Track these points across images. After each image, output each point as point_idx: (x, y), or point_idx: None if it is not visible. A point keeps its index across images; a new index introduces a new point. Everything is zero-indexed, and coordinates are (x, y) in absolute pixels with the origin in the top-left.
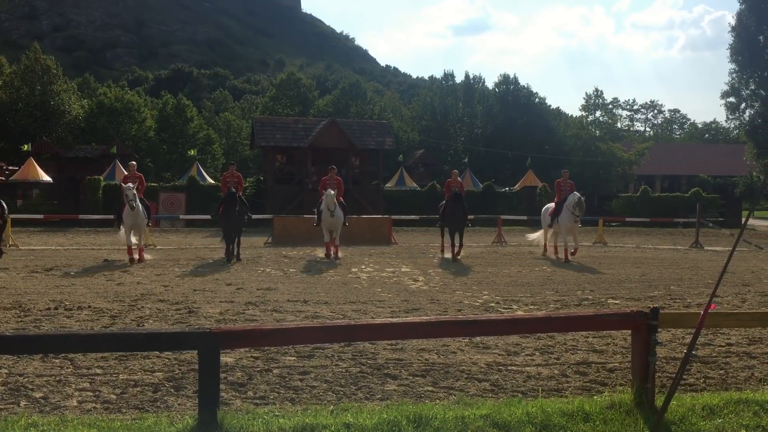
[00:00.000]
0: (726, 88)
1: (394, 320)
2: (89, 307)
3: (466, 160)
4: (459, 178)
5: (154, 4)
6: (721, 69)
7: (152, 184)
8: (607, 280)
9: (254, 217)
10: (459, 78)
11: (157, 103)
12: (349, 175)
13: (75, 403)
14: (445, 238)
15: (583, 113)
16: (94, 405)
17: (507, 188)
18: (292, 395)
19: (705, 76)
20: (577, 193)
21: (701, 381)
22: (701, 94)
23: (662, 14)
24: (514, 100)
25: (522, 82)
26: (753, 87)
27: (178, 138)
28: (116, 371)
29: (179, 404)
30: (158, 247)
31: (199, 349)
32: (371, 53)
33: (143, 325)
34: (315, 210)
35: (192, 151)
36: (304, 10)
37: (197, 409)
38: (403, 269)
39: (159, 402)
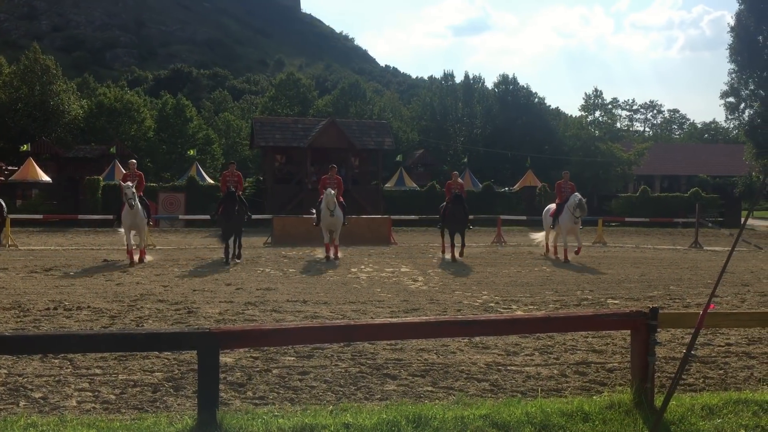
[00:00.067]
0: (725, 88)
1: (394, 320)
2: (88, 307)
3: (465, 160)
4: (459, 180)
5: (153, 4)
6: (720, 69)
7: (152, 184)
8: (607, 280)
9: (254, 217)
10: (459, 78)
11: (157, 103)
12: (348, 175)
13: (74, 404)
14: (445, 239)
15: (583, 113)
16: (93, 405)
17: (506, 188)
18: (291, 395)
19: (704, 76)
20: (578, 195)
21: (700, 381)
22: (700, 94)
23: (661, 14)
24: (513, 100)
25: (521, 82)
26: (752, 87)
27: (178, 138)
28: (115, 371)
29: (178, 404)
30: (158, 248)
31: (198, 349)
32: (371, 53)
33: (142, 326)
34: (314, 210)
35: (191, 152)
36: (303, 10)
37: (197, 410)
38: (402, 269)
39: (158, 402)
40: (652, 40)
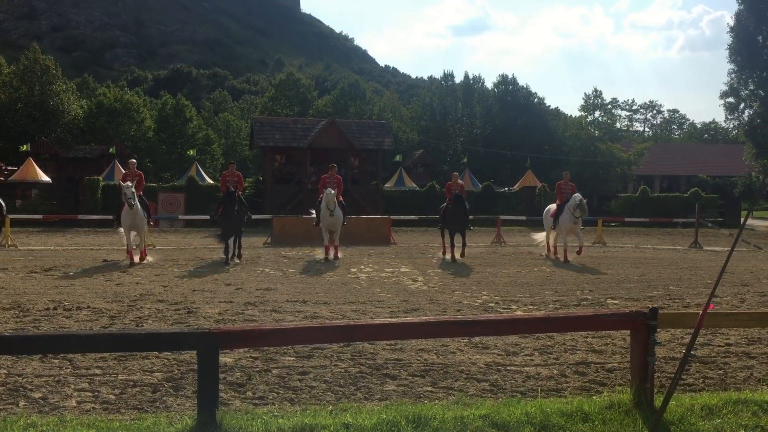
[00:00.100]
0: (725, 88)
1: (394, 320)
2: (88, 307)
3: (465, 160)
4: (459, 181)
5: (153, 5)
6: (720, 69)
7: (151, 184)
8: (606, 280)
9: (254, 217)
10: (458, 78)
11: (156, 104)
12: (348, 175)
13: (74, 404)
14: (445, 239)
15: (583, 113)
16: (93, 405)
17: (506, 188)
18: (291, 395)
19: (704, 76)
20: (579, 195)
21: (700, 381)
22: (700, 95)
23: (661, 14)
24: (513, 101)
25: (521, 82)
26: (752, 87)
27: (177, 138)
28: (115, 371)
29: (178, 404)
30: (157, 248)
31: (198, 349)
32: (370, 53)
33: (142, 326)
34: (313, 211)
35: (191, 152)
36: (303, 10)
37: (196, 410)
38: (402, 269)
39: (158, 402)
40: (651, 40)
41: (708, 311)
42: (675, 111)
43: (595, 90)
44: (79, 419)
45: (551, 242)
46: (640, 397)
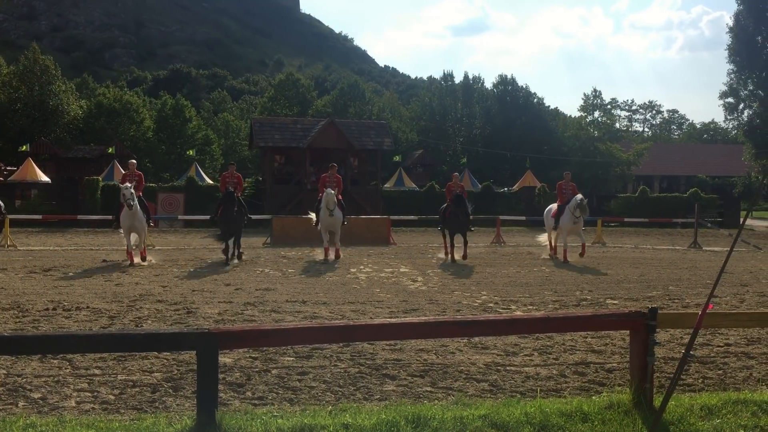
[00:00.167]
0: (724, 88)
1: (393, 321)
2: (88, 307)
3: (464, 160)
4: (459, 182)
5: (152, 5)
6: (719, 69)
7: (151, 184)
8: (606, 280)
9: (253, 217)
10: (458, 78)
11: (156, 104)
12: (347, 176)
13: (73, 404)
14: (446, 240)
15: (582, 114)
16: (92, 405)
17: (506, 188)
18: (290, 396)
19: (703, 76)
20: (580, 195)
21: (699, 381)
22: (700, 95)
23: (661, 15)
24: (512, 101)
25: (521, 82)
26: (751, 87)
27: (177, 138)
28: (115, 372)
29: (178, 405)
30: (157, 248)
31: (197, 349)
32: (370, 53)
33: (142, 326)
34: (312, 214)
35: (190, 152)
36: (302, 11)
37: (196, 410)
38: (401, 270)
39: (157, 402)
40: (651, 41)
41: (707, 311)
42: (674, 111)
43: (595, 90)
44: (78, 419)
45: (553, 242)
46: (639, 397)
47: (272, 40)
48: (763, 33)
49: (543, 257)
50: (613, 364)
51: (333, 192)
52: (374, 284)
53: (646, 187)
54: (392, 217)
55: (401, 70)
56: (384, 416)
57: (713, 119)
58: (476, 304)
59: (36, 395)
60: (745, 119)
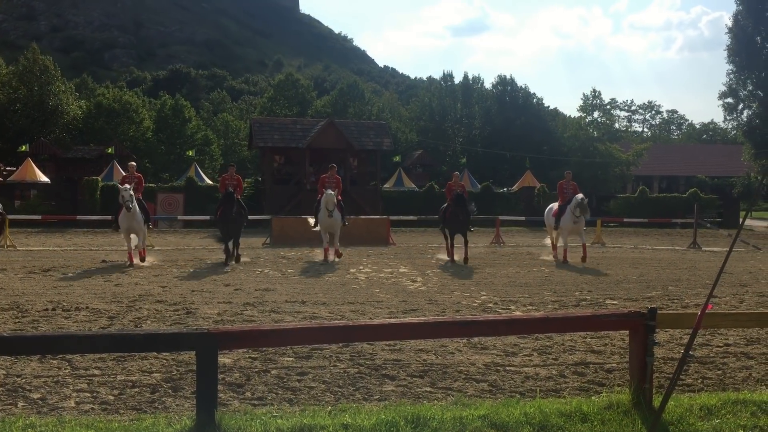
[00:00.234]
0: (724, 88)
1: (392, 321)
2: (87, 308)
3: (464, 160)
4: (460, 182)
5: (152, 5)
6: (718, 70)
7: (150, 184)
8: (605, 280)
9: (253, 218)
10: (457, 79)
11: (155, 104)
12: (347, 176)
13: (73, 404)
14: (447, 241)
15: (581, 114)
16: (91, 406)
17: (505, 189)
18: (290, 396)
19: (703, 76)
20: (580, 195)
21: (699, 381)
22: (699, 95)
23: (660, 15)
24: (511, 101)
25: (520, 82)
26: (750, 88)
27: (176, 139)
28: (114, 372)
29: (177, 405)
30: (156, 248)
31: (197, 349)
32: (369, 54)
33: (141, 326)
34: (312, 212)
35: (190, 152)
36: (302, 11)
37: (195, 410)
38: (401, 270)
39: (157, 403)
40: (650, 41)
41: (706, 312)
42: (674, 111)
43: (594, 90)
44: (77, 420)
45: (554, 241)
46: (638, 397)
47: (272, 40)
48: (762, 33)
49: (542, 257)
50: (613, 365)
51: (333, 193)
52: (374, 284)
53: (645, 187)
54: (392, 218)
55: (401, 70)
56: (383, 416)
57: (712, 119)
58: (476, 305)
59: (35, 395)
60: (745, 119)
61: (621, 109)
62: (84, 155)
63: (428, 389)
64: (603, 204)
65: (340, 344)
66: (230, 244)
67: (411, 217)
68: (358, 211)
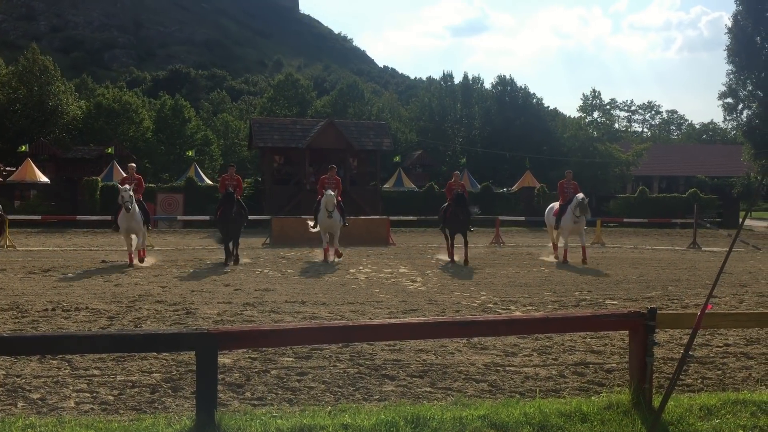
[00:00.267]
0: (723, 89)
1: (392, 321)
2: (87, 308)
3: (464, 160)
4: (460, 181)
5: (151, 5)
6: (718, 70)
7: (150, 185)
8: (605, 280)
9: (253, 218)
10: (457, 79)
11: (155, 104)
12: (346, 176)
13: (72, 404)
14: (448, 242)
15: (581, 114)
16: (91, 406)
17: (505, 189)
18: (289, 396)
19: (702, 76)
20: (581, 195)
21: (699, 381)
22: (699, 95)
23: (660, 15)
24: (511, 101)
25: (520, 83)
26: (750, 88)
27: (176, 139)
28: (114, 372)
29: (177, 405)
30: (156, 248)
31: (196, 350)
32: (369, 54)
33: (141, 326)
34: (312, 213)
35: (190, 152)
36: (302, 11)
37: (195, 410)
38: (401, 270)
39: (157, 403)
40: (650, 41)
41: (706, 312)
42: (673, 111)
43: (594, 90)
44: (77, 420)
45: (554, 241)
46: (638, 397)
47: (271, 40)
48: (761, 33)
49: (542, 258)
50: (613, 365)
51: (333, 193)
52: (373, 285)
53: (645, 187)
54: (391, 218)
55: (400, 70)
56: (383, 416)
57: (712, 120)
58: (475, 305)
59: (35, 396)
60: (744, 119)
61: (621, 110)
62: (84, 155)
63: (428, 389)
64: (603, 204)
65: (340, 344)
66: (230, 245)
67: (411, 218)
68: (358, 211)
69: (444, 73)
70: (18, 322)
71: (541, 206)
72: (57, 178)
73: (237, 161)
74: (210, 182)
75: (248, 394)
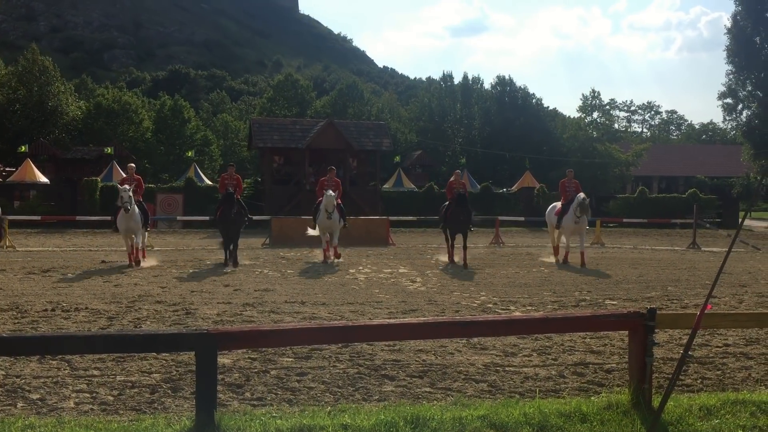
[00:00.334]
0: (723, 89)
1: (392, 321)
2: (86, 308)
3: (463, 161)
4: (461, 180)
5: (151, 6)
6: (718, 70)
7: (150, 185)
8: (605, 281)
9: (253, 218)
10: (457, 79)
11: (155, 105)
12: (346, 177)
13: (72, 405)
14: (449, 243)
15: (581, 114)
16: (91, 406)
17: (504, 189)
18: (289, 396)
19: (702, 77)
20: (582, 194)
21: (698, 381)
22: (698, 95)
23: (659, 15)
24: (511, 102)
25: (519, 83)
26: (750, 88)
27: (176, 139)
28: (113, 373)
29: (176, 406)
30: (155, 249)
31: (196, 350)
32: (369, 54)
33: (141, 327)
34: (313, 215)
35: (189, 153)
36: (301, 11)
37: (195, 411)
38: (400, 270)
39: (156, 403)
40: (649, 41)
41: (706, 312)
42: (673, 112)
43: (593, 91)
44: (77, 420)
45: (555, 242)
46: (638, 397)
47: (271, 40)
48: (761, 34)
49: (542, 258)
50: (612, 365)
51: (333, 194)
52: (373, 285)
53: (644, 187)
54: (391, 218)
55: (400, 70)
56: (383, 417)
57: (712, 120)
58: (475, 305)
59: (35, 396)
60: (744, 120)
61: (620, 110)
62: (83, 156)
63: (428, 389)
64: (602, 204)
65: (340, 345)
66: (230, 247)
67: (410, 218)
68: (358, 211)
69: (444, 74)
70: (18, 323)
71: (541, 206)
72: (56, 179)
73: (237, 161)
74: (210, 182)
75: (248, 394)
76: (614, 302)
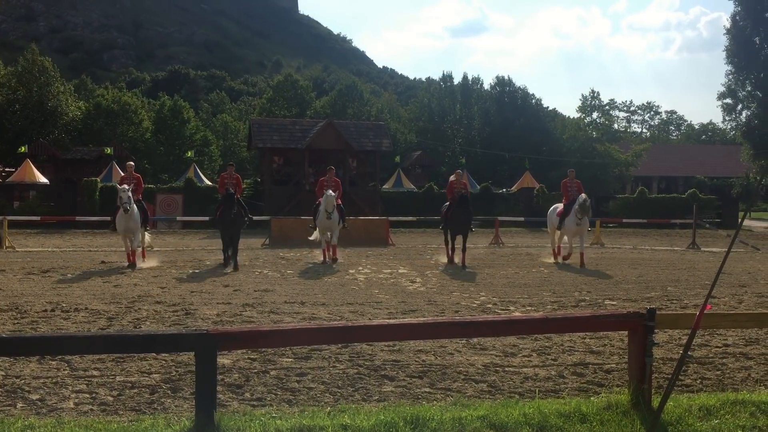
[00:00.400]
0: (722, 89)
1: (392, 321)
2: (86, 308)
3: (463, 161)
4: (462, 180)
5: (151, 6)
6: (717, 70)
7: (149, 185)
8: (604, 281)
9: (253, 218)
10: (457, 79)
11: (154, 105)
12: (346, 177)
13: (72, 405)
14: (448, 245)
15: (580, 114)
16: (90, 407)
17: (504, 189)
18: (289, 397)
19: (701, 77)
20: (583, 195)
21: (698, 382)
22: (698, 96)
23: (659, 16)
24: (510, 102)
25: (519, 83)
26: (749, 88)
27: (175, 139)
28: (113, 373)
29: (176, 406)
30: (155, 249)
31: (196, 350)
32: (368, 54)
33: (140, 327)
34: (312, 215)
35: (189, 153)
36: (301, 12)
37: (194, 411)
38: (400, 270)
39: (156, 404)
40: (649, 42)
41: (705, 312)
42: (673, 112)
43: (593, 91)
44: (76, 421)
45: (556, 243)
46: (637, 397)
47: (271, 41)
48: (760, 34)
49: (541, 258)
50: (612, 365)
51: (333, 194)
52: (373, 285)
53: (644, 188)
54: (391, 218)
55: (400, 71)
56: (383, 417)
57: (711, 120)
58: (475, 305)
59: (34, 396)
60: (744, 120)
61: (620, 110)
62: (83, 156)
63: (427, 390)
64: (602, 205)
65: (340, 345)
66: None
67: (410, 218)
68: (358, 211)
69: (443, 74)
70: (17, 323)
71: (541, 206)
72: (56, 179)
73: (236, 162)
74: (209, 183)
75: (248, 394)
76: (614, 302)
